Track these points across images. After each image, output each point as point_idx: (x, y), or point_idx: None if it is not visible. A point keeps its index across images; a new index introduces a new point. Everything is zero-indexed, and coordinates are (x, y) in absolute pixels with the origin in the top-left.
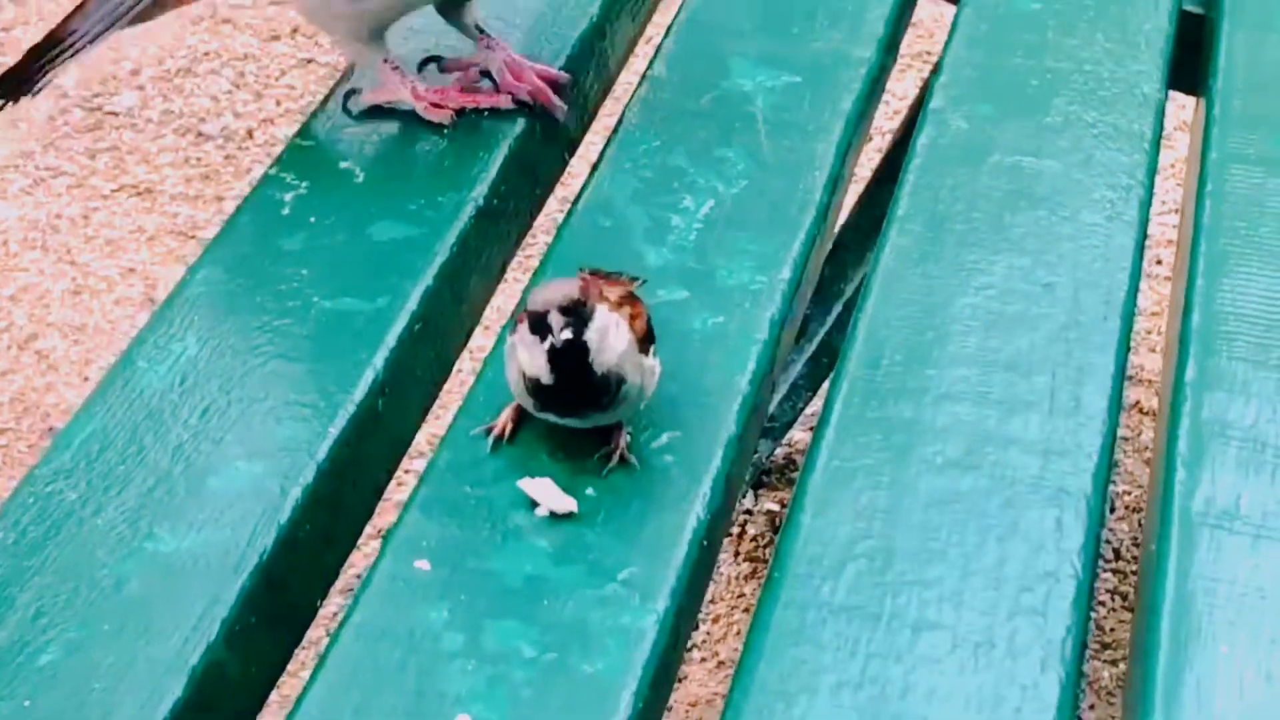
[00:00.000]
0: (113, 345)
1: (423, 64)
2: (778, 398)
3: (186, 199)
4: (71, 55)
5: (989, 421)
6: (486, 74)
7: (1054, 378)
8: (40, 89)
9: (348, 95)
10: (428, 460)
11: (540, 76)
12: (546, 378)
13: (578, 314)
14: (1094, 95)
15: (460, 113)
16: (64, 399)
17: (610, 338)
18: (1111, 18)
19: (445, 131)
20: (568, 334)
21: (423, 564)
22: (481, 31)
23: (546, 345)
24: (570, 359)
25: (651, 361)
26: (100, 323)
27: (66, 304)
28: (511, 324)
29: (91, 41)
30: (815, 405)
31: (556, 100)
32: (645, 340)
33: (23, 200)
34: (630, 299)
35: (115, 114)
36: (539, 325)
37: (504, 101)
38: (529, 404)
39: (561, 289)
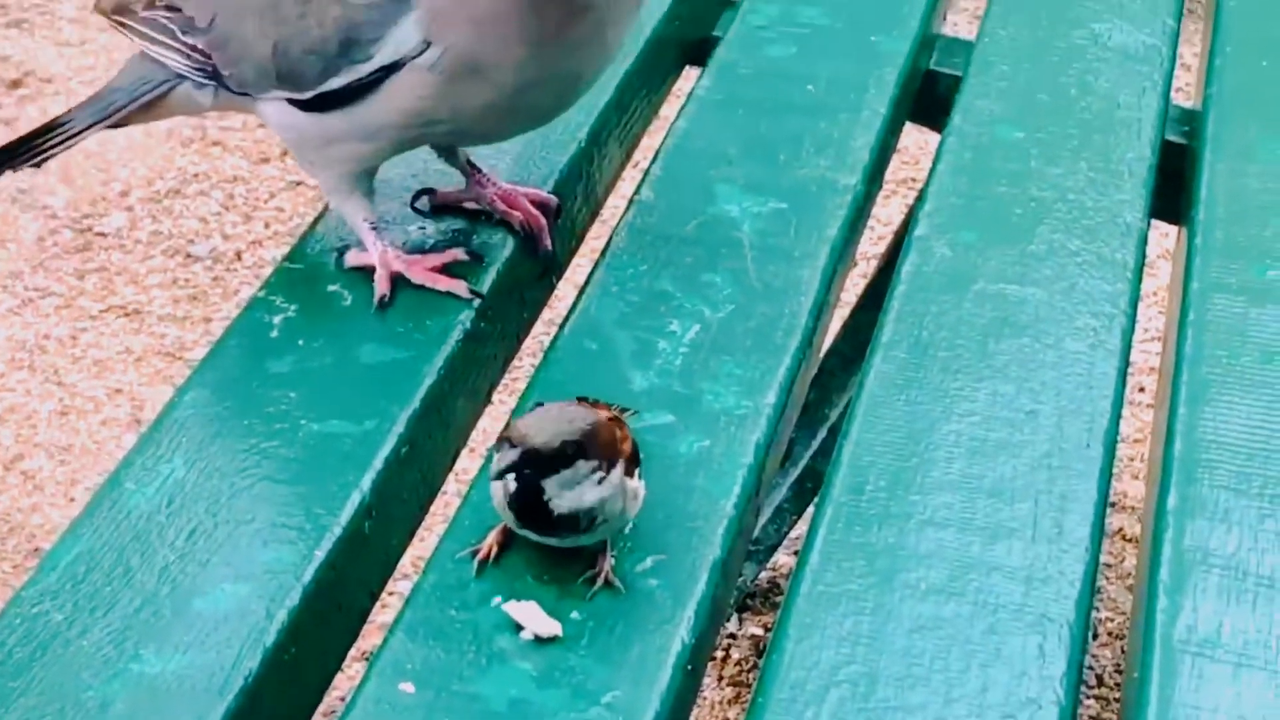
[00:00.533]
0: (99, 465)
1: (416, 195)
2: (762, 521)
3: (174, 320)
4: (64, 141)
5: (972, 548)
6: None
7: (1037, 504)
8: (33, 164)
9: (338, 251)
10: (413, 583)
11: (532, 200)
12: (503, 510)
13: (544, 458)
14: (1077, 224)
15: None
16: (49, 519)
17: (583, 490)
18: (1095, 147)
19: None
20: (511, 483)
21: (407, 687)
22: (473, 166)
23: (496, 476)
24: (526, 499)
25: (636, 484)
26: (87, 443)
27: (53, 424)
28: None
29: (83, 130)
30: (800, 529)
31: (546, 232)
32: (631, 462)
33: (10, 321)
34: (618, 421)
35: (104, 235)
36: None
37: (460, 289)
38: (509, 519)
39: (557, 421)
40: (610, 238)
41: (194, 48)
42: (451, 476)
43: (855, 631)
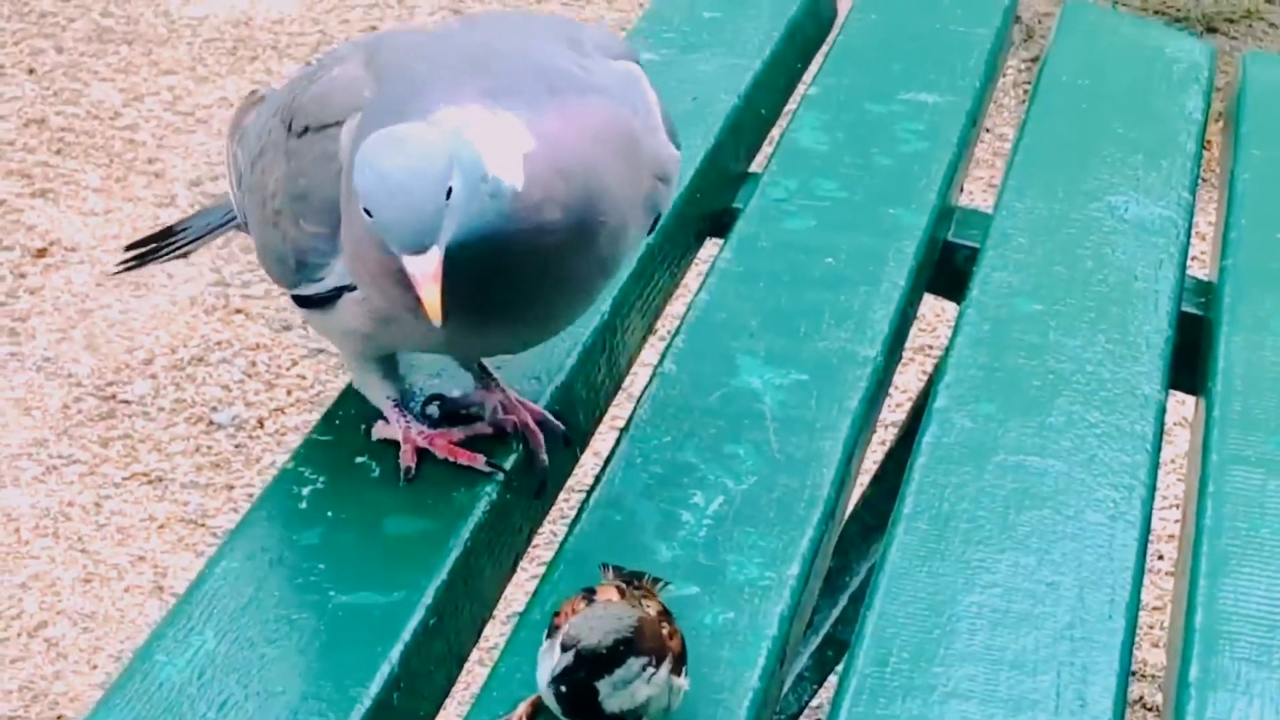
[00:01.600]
0: (122, 633)
1: (427, 401)
2: (784, 689)
3: (197, 487)
4: (180, 248)
5: None
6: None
7: (1059, 676)
8: (158, 260)
9: (365, 424)
10: None
11: (535, 417)
12: (553, 706)
13: (599, 658)
14: (1095, 395)
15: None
16: (72, 687)
17: (634, 687)
18: (1112, 319)
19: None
20: (564, 688)
21: None
22: (484, 371)
23: (550, 681)
24: (578, 698)
25: (682, 681)
26: (110, 610)
27: (77, 591)
28: (549, 622)
29: (195, 240)
30: (821, 697)
31: (542, 448)
32: (679, 660)
33: (35, 488)
34: (667, 616)
35: (128, 402)
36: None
37: (479, 463)
38: (554, 706)
39: (607, 620)
40: (634, 409)
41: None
42: (477, 647)
43: None
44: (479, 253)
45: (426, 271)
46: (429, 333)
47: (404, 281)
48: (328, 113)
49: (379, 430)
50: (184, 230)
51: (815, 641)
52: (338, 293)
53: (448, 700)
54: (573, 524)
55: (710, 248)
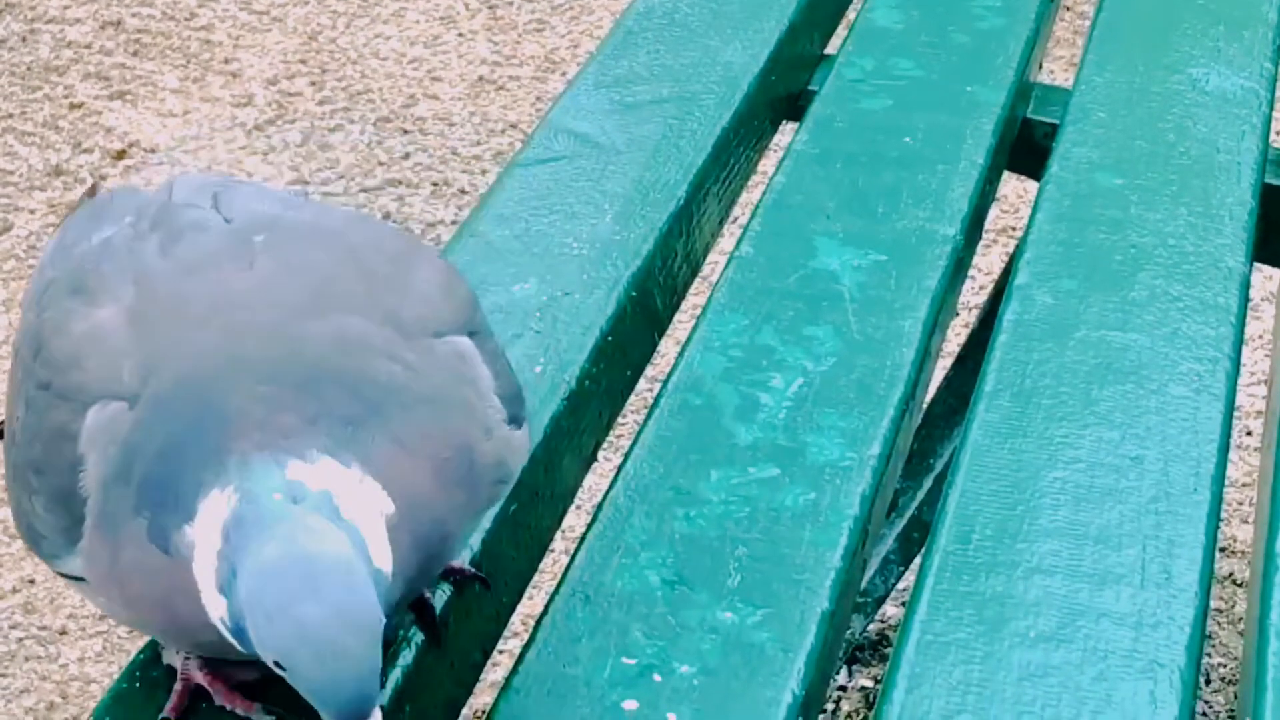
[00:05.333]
0: None
1: None
2: (869, 573)
3: None
4: None
5: (1080, 594)
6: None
7: (1144, 550)
8: None
9: None
10: (523, 641)
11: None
12: None
13: None
14: (1178, 269)
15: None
16: None
17: None
18: (1194, 192)
19: (537, 313)
20: None
21: None
22: None
23: None
24: None
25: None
26: None
27: None
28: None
29: None
30: (907, 580)
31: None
32: None
33: None
34: None
35: None
36: None
37: (253, 712)
38: None
39: None
40: (711, 294)
41: None
42: (560, 534)
43: (965, 680)
44: None
45: None
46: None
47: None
48: (74, 379)
49: (165, 654)
50: None
51: (900, 525)
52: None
53: (528, 588)
54: (651, 409)
55: (786, 132)
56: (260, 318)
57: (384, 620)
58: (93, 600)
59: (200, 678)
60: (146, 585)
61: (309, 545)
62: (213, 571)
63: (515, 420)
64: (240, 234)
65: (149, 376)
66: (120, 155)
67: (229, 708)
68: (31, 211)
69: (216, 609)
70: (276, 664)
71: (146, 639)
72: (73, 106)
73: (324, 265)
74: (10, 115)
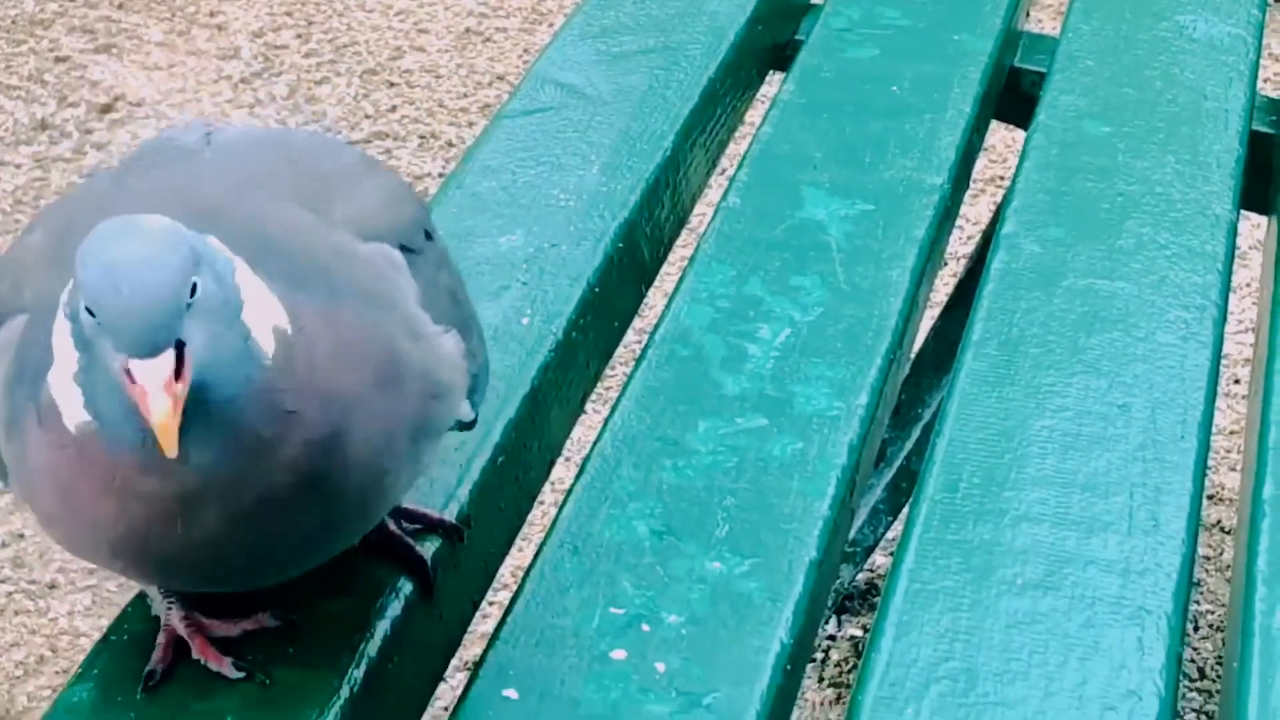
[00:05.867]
0: None
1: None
2: (858, 523)
3: None
4: None
5: (1068, 542)
6: None
7: (1132, 498)
8: None
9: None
10: (512, 592)
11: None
12: None
13: None
14: (1165, 217)
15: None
16: None
17: None
18: (1181, 140)
19: (524, 265)
20: None
21: (510, 693)
22: None
23: None
24: None
25: None
26: None
27: None
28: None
29: None
30: (896, 530)
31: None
32: None
33: None
34: None
35: None
36: None
37: (225, 667)
38: None
39: None
40: (698, 245)
41: None
42: (548, 486)
43: (953, 628)
44: (212, 423)
45: (157, 378)
46: (115, 558)
47: (94, 508)
48: None
49: (153, 606)
50: None
51: (888, 474)
52: None
53: (518, 539)
54: (638, 361)
55: (773, 82)
56: (178, 203)
57: (191, 271)
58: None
59: (181, 628)
60: (47, 479)
61: (143, 219)
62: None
63: (449, 335)
64: (196, 152)
65: (55, 277)
66: (106, 109)
67: (202, 661)
68: (17, 166)
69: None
70: (88, 310)
71: (135, 592)
72: (58, 60)
73: (261, 165)
74: None
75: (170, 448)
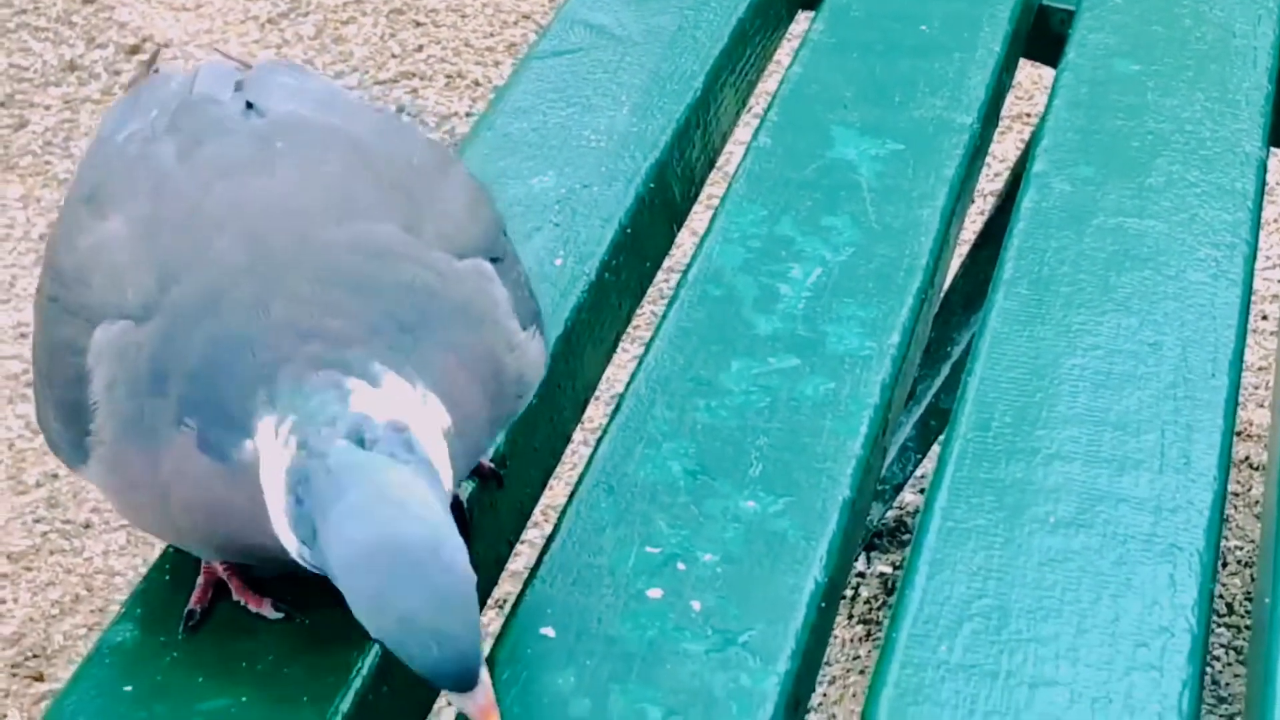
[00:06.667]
0: None
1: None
2: (887, 460)
3: None
4: None
5: (1100, 480)
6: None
7: (1163, 435)
8: None
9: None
10: (544, 532)
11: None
12: None
13: None
14: (1195, 155)
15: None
16: None
17: None
18: (1211, 77)
19: (556, 206)
20: None
21: (548, 631)
22: None
23: None
24: None
25: None
26: None
27: None
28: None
29: None
30: (924, 467)
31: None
32: None
33: None
34: None
35: None
36: None
37: (265, 608)
38: None
39: None
40: (729, 185)
41: None
42: (579, 426)
43: (986, 566)
44: None
45: (482, 705)
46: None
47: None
48: (78, 295)
49: None
50: None
51: (918, 412)
52: None
53: (550, 479)
54: (671, 300)
55: (802, 21)
56: (282, 224)
57: (474, 580)
58: (119, 507)
59: (220, 570)
60: (196, 492)
61: (397, 526)
62: (285, 514)
63: (538, 328)
64: (263, 138)
65: (169, 287)
66: (134, 50)
67: (241, 603)
68: (47, 107)
69: (294, 546)
70: (380, 642)
71: None
72: (86, 1)
73: (347, 174)
74: (24, 11)
75: None
